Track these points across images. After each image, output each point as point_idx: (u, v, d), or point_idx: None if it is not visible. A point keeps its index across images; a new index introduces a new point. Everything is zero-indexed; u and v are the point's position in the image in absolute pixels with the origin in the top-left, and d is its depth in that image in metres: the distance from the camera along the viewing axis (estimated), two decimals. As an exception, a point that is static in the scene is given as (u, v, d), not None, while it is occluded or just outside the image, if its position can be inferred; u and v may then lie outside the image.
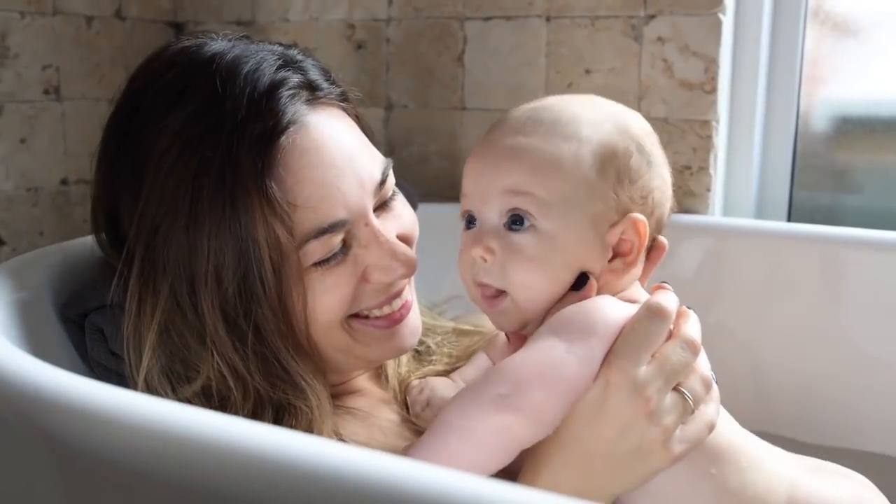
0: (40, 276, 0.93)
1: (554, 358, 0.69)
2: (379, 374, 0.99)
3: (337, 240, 0.82)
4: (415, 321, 0.91)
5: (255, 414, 0.81)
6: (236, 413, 0.80)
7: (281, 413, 0.82)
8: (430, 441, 0.69)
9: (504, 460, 0.69)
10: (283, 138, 0.79)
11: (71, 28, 1.54)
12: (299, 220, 0.79)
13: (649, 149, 0.77)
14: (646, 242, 0.75)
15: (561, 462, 0.69)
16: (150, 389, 0.80)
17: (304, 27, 1.59)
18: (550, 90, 1.41)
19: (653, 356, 0.70)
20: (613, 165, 0.74)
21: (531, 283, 0.74)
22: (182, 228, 0.78)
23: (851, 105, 1.43)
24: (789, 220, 1.43)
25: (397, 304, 0.88)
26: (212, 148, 0.78)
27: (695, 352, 0.71)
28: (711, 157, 1.31)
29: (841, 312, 1.22)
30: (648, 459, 0.69)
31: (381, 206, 0.88)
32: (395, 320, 0.88)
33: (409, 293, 0.91)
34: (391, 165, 0.89)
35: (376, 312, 0.86)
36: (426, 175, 1.54)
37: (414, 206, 1.28)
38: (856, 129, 1.44)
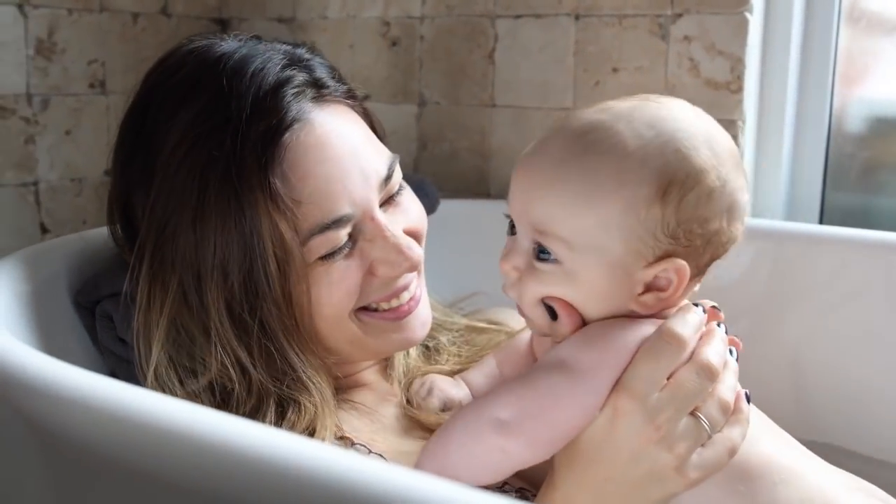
0: (59, 264, 0.98)
1: (556, 389, 0.69)
2: (386, 368, 1.01)
3: (342, 234, 0.83)
4: (424, 313, 0.92)
5: (259, 408, 0.83)
6: (240, 407, 0.83)
7: (284, 407, 0.83)
8: (436, 445, 0.71)
9: (498, 477, 0.70)
10: (287, 135, 0.82)
11: (117, 24, 1.60)
12: (304, 217, 0.81)
13: (713, 180, 0.68)
14: (685, 283, 0.70)
15: (575, 484, 0.69)
16: (158, 383, 0.82)
17: (342, 24, 1.62)
18: (578, 88, 1.41)
19: (667, 380, 0.68)
20: (660, 205, 0.68)
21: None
22: (189, 223, 0.81)
23: (887, 105, 1.41)
24: (821, 222, 1.41)
25: (405, 297, 0.89)
26: (217, 146, 0.80)
27: (711, 377, 0.68)
28: (736, 156, 1.30)
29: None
30: (663, 485, 0.68)
31: (388, 200, 0.89)
32: (404, 312, 0.89)
33: (418, 287, 0.92)
34: (398, 161, 0.91)
35: (384, 305, 0.88)
36: (456, 171, 1.56)
37: (434, 204, 1.30)
38: (891, 129, 1.41)
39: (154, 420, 0.58)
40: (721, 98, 1.29)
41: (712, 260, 0.72)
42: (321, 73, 0.89)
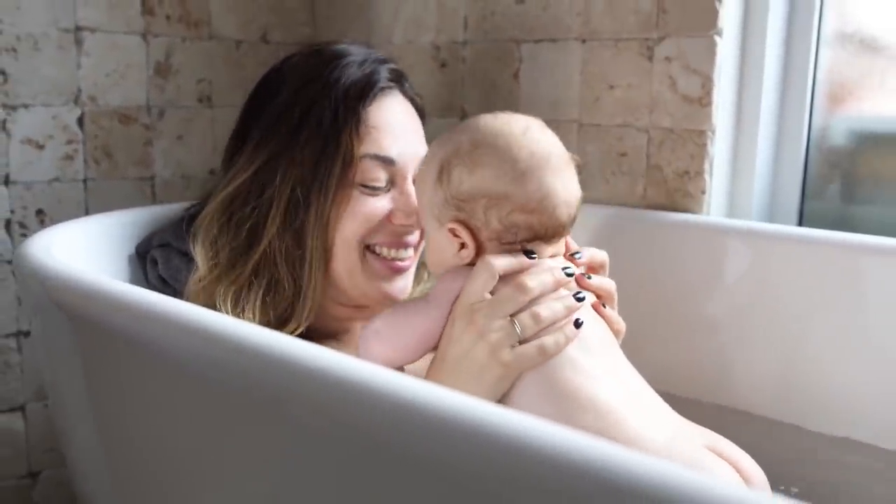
0: (135, 226, 1.31)
1: (415, 307, 0.97)
2: None
3: (383, 174, 1.13)
4: (408, 283, 1.19)
5: (258, 271, 1.11)
6: (245, 267, 1.11)
7: (269, 288, 1.11)
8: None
9: None
10: (379, 93, 1.15)
11: (223, 50, 1.93)
12: (367, 143, 1.12)
13: (476, 157, 0.92)
14: (472, 243, 0.93)
15: (437, 373, 0.94)
16: (209, 219, 1.15)
17: (404, 48, 1.89)
18: (582, 104, 1.62)
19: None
20: (445, 172, 0.94)
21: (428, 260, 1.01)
22: (293, 128, 1.13)
23: (875, 121, 1.51)
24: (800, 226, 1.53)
25: (403, 254, 1.16)
26: (333, 82, 1.14)
27: (522, 292, 0.89)
28: (706, 163, 1.46)
29: (832, 314, 1.33)
30: (486, 369, 0.89)
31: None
32: (398, 268, 1.15)
33: (414, 258, 1.18)
34: None
35: (385, 252, 1.14)
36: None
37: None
38: (876, 145, 1.52)
39: (152, 307, 0.84)
40: (693, 111, 1.46)
41: (508, 227, 0.92)
42: (406, 80, 1.22)
